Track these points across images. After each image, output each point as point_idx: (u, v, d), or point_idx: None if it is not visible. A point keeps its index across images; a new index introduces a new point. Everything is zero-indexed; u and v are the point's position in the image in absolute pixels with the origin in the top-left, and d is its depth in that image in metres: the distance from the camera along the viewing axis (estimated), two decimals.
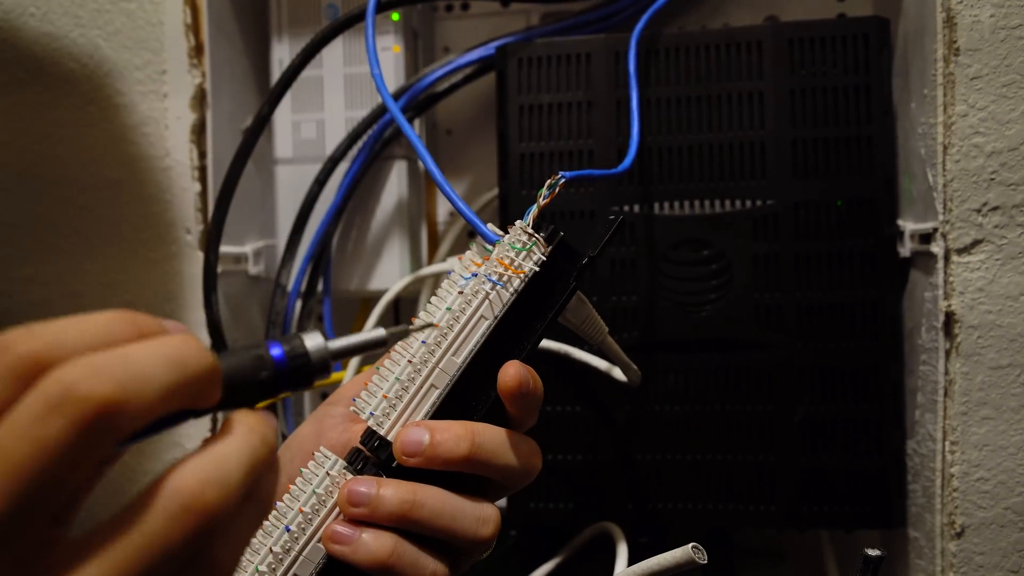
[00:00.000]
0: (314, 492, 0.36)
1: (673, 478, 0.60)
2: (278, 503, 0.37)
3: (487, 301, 0.36)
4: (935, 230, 0.55)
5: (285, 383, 0.27)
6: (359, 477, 0.36)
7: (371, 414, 0.37)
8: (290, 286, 0.69)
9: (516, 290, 0.37)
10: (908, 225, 0.58)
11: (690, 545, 0.35)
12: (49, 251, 0.69)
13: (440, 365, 0.36)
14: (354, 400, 0.37)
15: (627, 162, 0.50)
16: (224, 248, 0.65)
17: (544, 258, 0.37)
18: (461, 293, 0.37)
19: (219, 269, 0.64)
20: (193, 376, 0.24)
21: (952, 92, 0.54)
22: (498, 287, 0.36)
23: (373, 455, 0.37)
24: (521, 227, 0.37)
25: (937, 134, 0.55)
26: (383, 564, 0.34)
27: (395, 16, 0.68)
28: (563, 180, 0.39)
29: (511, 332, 0.37)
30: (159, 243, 0.67)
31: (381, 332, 0.30)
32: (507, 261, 0.37)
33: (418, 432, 0.35)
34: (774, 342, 0.58)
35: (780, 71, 0.58)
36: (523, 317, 0.37)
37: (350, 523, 0.35)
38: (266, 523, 0.36)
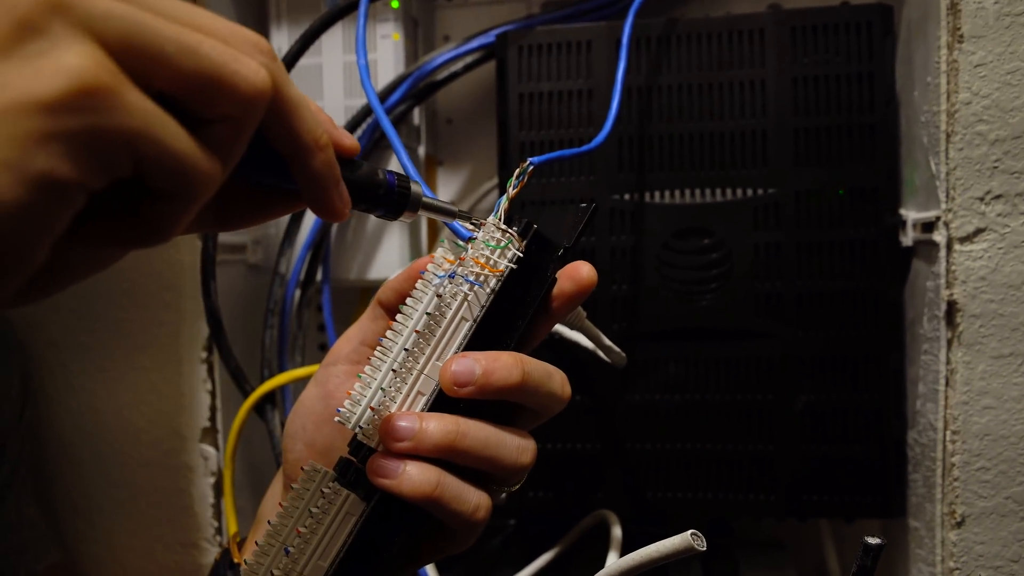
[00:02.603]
0: (308, 510, 0.36)
1: (673, 468, 0.60)
2: (271, 520, 0.37)
3: (466, 303, 0.36)
4: (937, 219, 0.55)
5: (384, 200, 0.34)
6: (401, 413, 0.35)
7: (359, 427, 0.36)
8: (289, 275, 0.68)
9: (494, 289, 0.36)
10: (910, 214, 0.58)
11: (689, 532, 0.35)
12: None
13: (425, 371, 0.36)
14: (339, 410, 0.36)
15: (599, 139, 0.50)
16: (223, 237, 0.65)
17: (520, 254, 0.37)
18: (440, 296, 0.36)
19: (218, 258, 0.64)
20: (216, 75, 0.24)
21: (956, 80, 0.54)
22: (476, 287, 0.36)
23: (363, 464, 0.36)
24: (494, 223, 0.37)
25: (940, 122, 0.54)
26: (428, 496, 0.34)
27: (395, 4, 0.68)
28: (531, 167, 0.38)
29: (493, 329, 0.37)
30: None
31: (454, 208, 0.36)
32: (483, 260, 0.36)
33: (468, 363, 0.34)
34: (775, 331, 0.58)
35: (782, 59, 0.58)
36: (503, 313, 0.37)
37: (394, 456, 0.35)
38: (261, 542, 0.36)
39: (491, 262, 0.36)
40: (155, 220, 0.25)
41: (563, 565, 0.62)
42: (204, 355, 0.67)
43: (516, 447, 0.36)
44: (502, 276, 0.36)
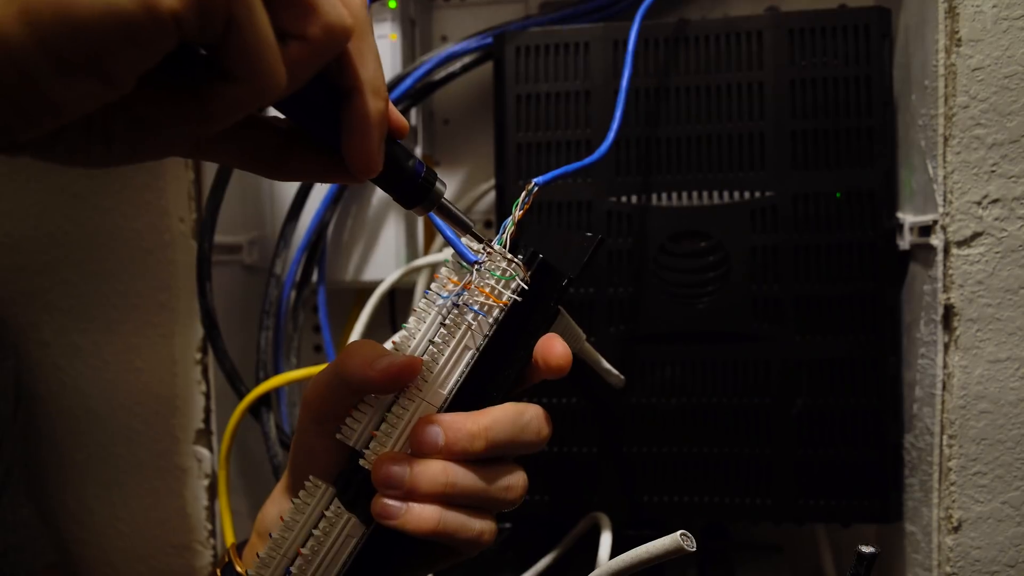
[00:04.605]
0: (311, 532, 0.37)
1: (669, 471, 0.59)
2: (273, 534, 0.37)
3: (470, 332, 0.37)
4: (935, 223, 0.55)
5: (406, 183, 0.33)
6: (393, 456, 0.36)
7: (362, 451, 0.37)
8: (284, 276, 0.68)
9: (496, 319, 0.37)
10: (908, 218, 0.58)
11: (678, 532, 0.35)
12: (42, 240, 0.69)
13: (427, 398, 0.37)
14: (339, 429, 0.37)
15: (602, 150, 0.50)
16: (218, 238, 0.65)
17: (524, 285, 0.37)
18: (444, 325, 0.37)
19: (213, 258, 0.64)
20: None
21: (953, 83, 0.54)
22: (480, 316, 0.37)
23: (363, 487, 0.37)
24: (500, 252, 0.37)
25: (938, 125, 0.54)
26: (433, 532, 0.35)
27: (392, 4, 0.68)
28: (536, 188, 0.39)
29: (494, 357, 0.37)
30: (152, 232, 0.67)
31: (470, 222, 0.36)
32: (488, 289, 0.37)
33: (433, 432, 0.36)
34: (771, 334, 0.58)
35: (780, 61, 0.58)
36: (506, 340, 0.37)
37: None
38: (263, 555, 0.37)
39: (496, 292, 0.36)
40: (212, 103, 0.26)
41: (560, 569, 0.62)
42: (198, 356, 0.67)
43: (503, 487, 0.37)
44: (506, 307, 0.37)
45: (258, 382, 0.66)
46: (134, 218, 0.67)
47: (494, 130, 0.62)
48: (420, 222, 0.74)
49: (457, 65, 0.67)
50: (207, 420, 0.67)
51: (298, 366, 0.69)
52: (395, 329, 0.73)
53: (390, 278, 0.68)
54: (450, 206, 0.35)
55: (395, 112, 0.33)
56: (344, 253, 0.71)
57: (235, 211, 0.69)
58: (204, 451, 0.67)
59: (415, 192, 0.34)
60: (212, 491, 0.67)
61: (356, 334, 0.67)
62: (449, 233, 0.39)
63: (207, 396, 0.67)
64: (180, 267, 0.66)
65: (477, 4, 0.74)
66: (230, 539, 0.65)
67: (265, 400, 0.65)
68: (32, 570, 0.65)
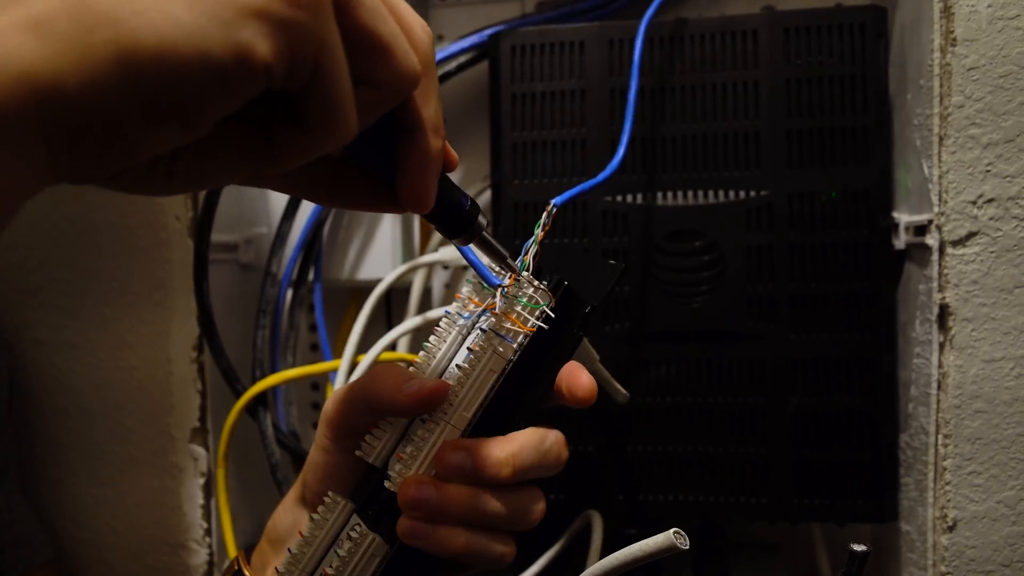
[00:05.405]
0: (335, 552, 0.37)
1: (664, 470, 0.59)
2: (292, 549, 0.38)
3: (495, 356, 0.37)
4: (930, 222, 0.55)
5: (452, 216, 0.34)
6: (419, 479, 0.36)
7: (381, 468, 0.37)
8: (281, 275, 0.68)
9: (521, 344, 0.37)
10: (903, 217, 0.58)
11: (671, 531, 0.35)
12: (36, 237, 0.68)
13: (452, 421, 0.37)
14: (360, 445, 0.38)
15: (614, 164, 0.50)
16: (215, 236, 0.65)
17: (550, 313, 0.38)
18: (468, 348, 0.38)
19: (209, 257, 0.64)
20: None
21: (948, 83, 0.54)
22: (506, 341, 0.37)
23: (385, 506, 0.37)
24: (527, 279, 0.38)
25: (933, 125, 0.54)
26: (458, 554, 0.36)
27: None
28: (555, 209, 0.40)
29: (518, 381, 0.38)
30: (147, 229, 0.66)
31: (505, 253, 0.37)
32: (514, 315, 0.37)
33: (460, 458, 0.36)
34: (767, 334, 0.58)
35: (776, 60, 0.58)
36: (529, 365, 0.38)
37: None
38: (281, 570, 0.38)
39: (521, 318, 0.37)
40: (282, 145, 0.26)
41: (556, 567, 0.62)
42: (194, 355, 0.67)
43: (526, 509, 0.38)
44: (531, 333, 0.37)
45: (255, 381, 0.66)
46: (129, 216, 0.67)
47: (490, 129, 0.62)
48: (416, 220, 0.74)
49: (453, 64, 0.67)
50: (203, 418, 0.67)
51: (295, 365, 0.69)
52: (391, 327, 0.73)
53: (388, 278, 0.68)
54: (489, 239, 0.36)
55: (447, 147, 0.33)
56: (340, 251, 0.71)
57: (231, 209, 0.69)
58: (200, 450, 0.67)
59: (459, 225, 0.35)
60: (208, 490, 0.67)
61: (354, 333, 0.67)
62: (472, 255, 0.40)
63: (203, 395, 0.67)
64: (176, 265, 0.66)
65: (473, 3, 0.74)
66: (229, 538, 0.65)
67: (262, 399, 0.65)
68: (29, 567, 0.65)
